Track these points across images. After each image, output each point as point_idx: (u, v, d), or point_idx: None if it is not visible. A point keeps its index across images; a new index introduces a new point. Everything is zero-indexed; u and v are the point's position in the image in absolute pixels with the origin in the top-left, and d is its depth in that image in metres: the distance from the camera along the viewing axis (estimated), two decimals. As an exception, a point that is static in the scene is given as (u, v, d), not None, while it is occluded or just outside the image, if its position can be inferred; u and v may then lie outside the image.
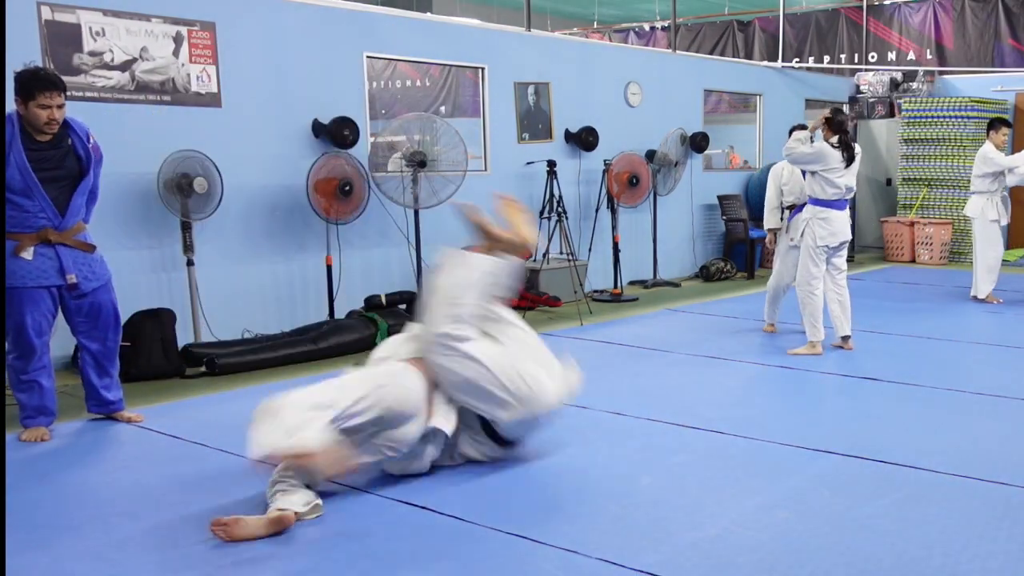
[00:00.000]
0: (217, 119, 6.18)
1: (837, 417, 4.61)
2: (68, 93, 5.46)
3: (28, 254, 4.12)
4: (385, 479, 3.64)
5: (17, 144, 4.06)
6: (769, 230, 6.91)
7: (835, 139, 5.90)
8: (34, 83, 4.06)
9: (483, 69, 8.01)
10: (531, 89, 8.39)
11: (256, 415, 3.17)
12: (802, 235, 6.06)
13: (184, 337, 5.83)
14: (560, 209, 7.96)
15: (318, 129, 6.69)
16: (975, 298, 7.94)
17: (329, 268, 6.67)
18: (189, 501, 3.49)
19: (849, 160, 5.90)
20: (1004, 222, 7.96)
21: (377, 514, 3.33)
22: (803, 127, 6.61)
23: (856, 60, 13.89)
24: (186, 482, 3.72)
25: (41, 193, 4.13)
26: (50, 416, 4.37)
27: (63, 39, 5.45)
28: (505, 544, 3.05)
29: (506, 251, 3.58)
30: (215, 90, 6.17)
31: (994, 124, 7.98)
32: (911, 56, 13.70)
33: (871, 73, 12.54)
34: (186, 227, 5.89)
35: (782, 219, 6.76)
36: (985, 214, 7.88)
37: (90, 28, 5.56)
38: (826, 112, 6.03)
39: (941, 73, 12.73)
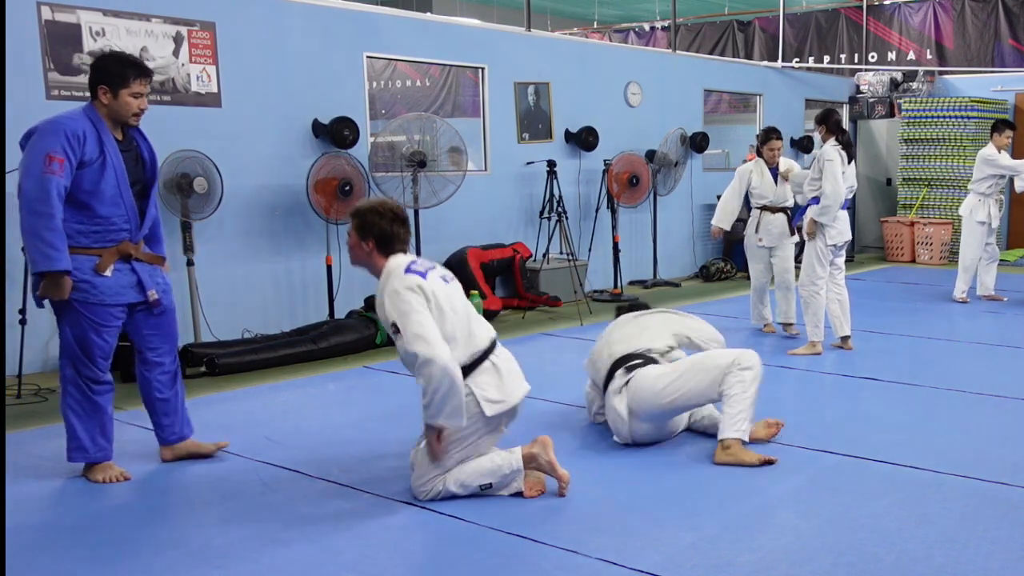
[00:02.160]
0: (217, 119, 6.18)
1: (837, 417, 4.61)
2: (69, 93, 5.52)
3: (110, 271, 3.62)
4: (387, 481, 3.64)
5: (111, 141, 3.58)
6: (718, 228, 6.84)
7: (832, 140, 5.89)
8: (130, 68, 3.59)
9: (483, 69, 8.01)
10: (531, 89, 8.39)
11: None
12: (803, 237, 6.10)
13: (184, 337, 5.81)
14: (560, 209, 7.96)
15: (318, 129, 6.69)
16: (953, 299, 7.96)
17: (329, 268, 6.67)
18: (189, 500, 3.49)
19: (851, 158, 5.94)
20: (995, 224, 7.93)
21: (377, 515, 3.33)
22: (773, 131, 6.51)
23: (856, 60, 13.89)
24: (186, 482, 3.72)
25: (130, 200, 3.64)
26: (110, 445, 3.80)
27: (63, 39, 5.45)
28: (505, 544, 3.04)
29: None
30: (215, 90, 6.17)
31: (997, 126, 7.94)
32: (911, 56, 13.70)
33: (871, 73, 12.54)
34: (186, 227, 5.89)
35: (747, 219, 6.78)
36: (974, 214, 7.89)
37: (90, 28, 5.56)
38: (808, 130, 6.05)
39: (941, 73, 12.73)
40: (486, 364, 3.39)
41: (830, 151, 5.83)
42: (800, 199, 6.37)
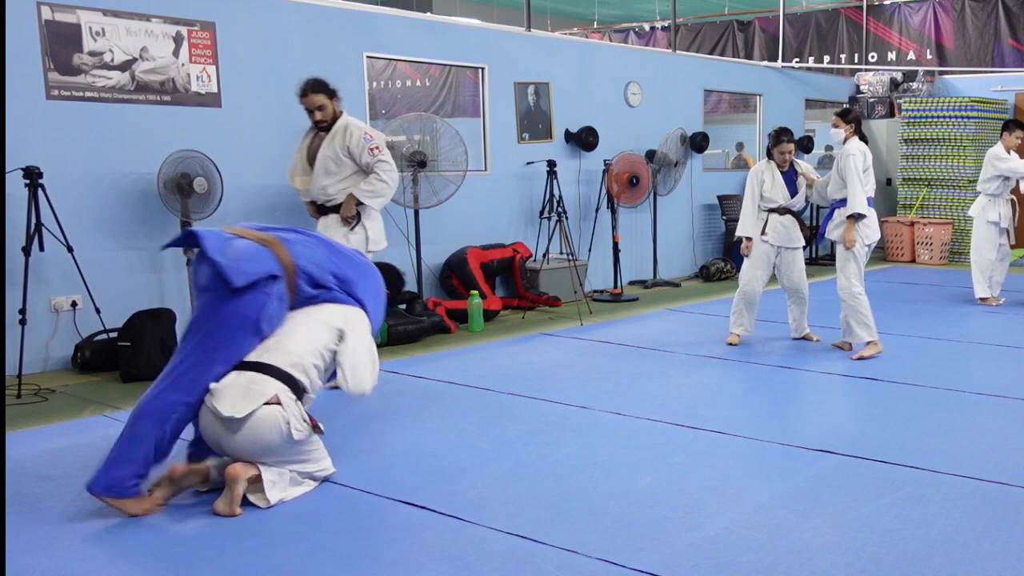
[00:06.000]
0: (217, 119, 6.18)
1: (837, 417, 4.61)
2: (69, 93, 5.52)
3: None
4: (386, 481, 3.64)
5: None
6: (747, 238, 6.20)
7: (856, 137, 5.87)
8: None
9: (483, 69, 8.01)
10: (531, 89, 8.39)
11: None
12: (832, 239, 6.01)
13: (184, 337, 5.81)
14: (560, 209, 7.96)
15: (318, 129, 6.68)
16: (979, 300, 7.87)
17: (329, 268, 6.66)
18: (188, 500, 3.49)
19: None
20: (1005, 224, 7.82)
21: (377, 514, 3.33)
22: (785, 132, 6.17)
23: (856, 60, 13.90)
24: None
25: None
26: None
27: (63, 39, 5.45)
28: (505, 544, 3.05)
29: None
30: (215, 90, 6.17)
31: (1008, 126, 7.80)
32: (911, 56, 13.72)
33: (871, 73, 12.55)
34: (186, 227, 5.88)
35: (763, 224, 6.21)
36: (984, 214, 7.80)
37: (90, 28, 5.56)
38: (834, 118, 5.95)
39: (941, 73, 12.74)
40: None
41: (853, 146, 5.80)
42: (821, 202, 6.25)
